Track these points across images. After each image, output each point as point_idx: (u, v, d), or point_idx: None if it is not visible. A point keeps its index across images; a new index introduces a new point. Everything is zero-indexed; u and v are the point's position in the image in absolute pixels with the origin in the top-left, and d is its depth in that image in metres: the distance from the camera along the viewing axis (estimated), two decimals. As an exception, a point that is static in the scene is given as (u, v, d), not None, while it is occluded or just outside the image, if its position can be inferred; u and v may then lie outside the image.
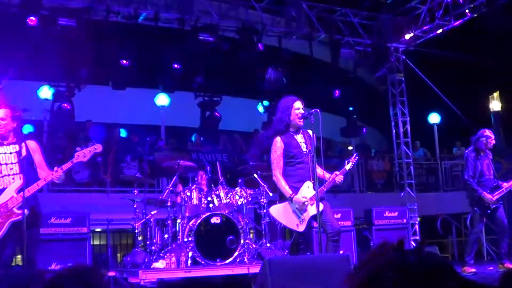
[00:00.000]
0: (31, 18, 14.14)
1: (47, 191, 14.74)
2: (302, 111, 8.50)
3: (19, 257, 9.46)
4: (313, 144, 8.44)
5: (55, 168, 7.97)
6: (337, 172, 8.62)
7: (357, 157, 9.08)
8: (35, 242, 7.89)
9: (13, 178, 7.94)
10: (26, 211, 7.56)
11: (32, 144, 8.29)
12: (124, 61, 15.76)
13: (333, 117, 22.31)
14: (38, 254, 7.89)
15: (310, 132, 8.61)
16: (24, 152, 7.96)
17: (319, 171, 8.51)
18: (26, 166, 7.93)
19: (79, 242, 11.64)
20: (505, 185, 11.83)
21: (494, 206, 11.58)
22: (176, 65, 16.48)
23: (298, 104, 8.53)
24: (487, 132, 11.94)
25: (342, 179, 8.68)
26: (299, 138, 8.55)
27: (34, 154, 8.17)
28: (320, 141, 8.33)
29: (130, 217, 12.26)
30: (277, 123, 8.64)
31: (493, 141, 12.00)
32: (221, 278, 10.72)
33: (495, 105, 22.43)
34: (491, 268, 12.29)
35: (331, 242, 8.22)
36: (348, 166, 8.81)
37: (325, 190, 8.54)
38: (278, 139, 8.44)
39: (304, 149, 8.47)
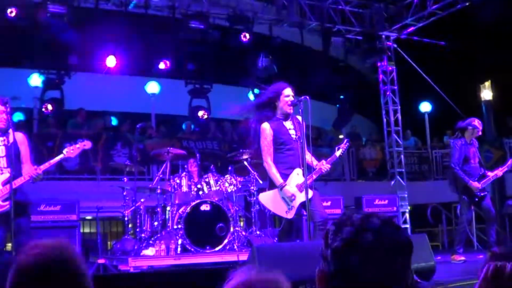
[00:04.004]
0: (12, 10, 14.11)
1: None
2: (292, 99, 8.49)
3: (8, 244, 9.46)
4: (303, 130, 8.43)
5: (35, 167, 8.00)
6: (324, 162, 8.61)
7: (347, 143, 9.04)
8: (25, 230, 7.87)
9: (1, 171, 7.92)
10: (12, 203, 7.54)
11: (20, 136, 8.29)
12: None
13: (324, 105, 22.32)
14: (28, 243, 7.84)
15: (299, 118, 8.59)
16: (11, 142, 7.95)
17: (308, 157, 8.49)
18: (13, 159, 7.93)
19: (69, 230, 11.65)
20: (490, 174, 11.87)
21: (481, 194, 11.60)
22: (167, 53, 16.51)
23: (288, 91, 8.49)
24: (476, 122, 11.92)
25: (329, 168, 8.67)
26: (288, 124, 8.51)
27: (21, 147, 8.17)
28: (309, 128, 8.29)
29: (120, 205, 12.26)
30: (259, 99, 8.64)
31: (480, 132, 12.01)
32: (211, 265, 10.72)
33: (486, 94, 22.44)
34: (481, 256, 12.28)
35: (318, 230, 8.19)
36: (338, 153, 8.80)
37: (314, 177, 8.52)
38: (266, 126, 8.39)
39: (293, 136, 8.44)
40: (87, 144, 8.36)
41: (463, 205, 11.93)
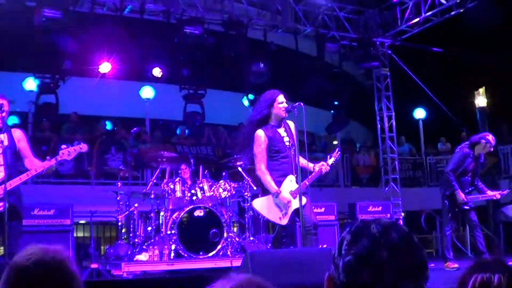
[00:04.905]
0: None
1: (31, 182, 14.72)
2: (286, 105, 8.48)
3: (1, 248, 9.44)
4: (294, 135, 8.46)
5: (48, 158, 7.96)
6: (324, 163, 8.59)
7: (339, 152, 9.04)
8: (16, 234, 7.84)
9: (-3, 170, 7.88)
10: (6, 204, 7.51)
11: (17, 133, 8.22)
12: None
13: (318, 111, 22.31)
14: (19, 246, 7.82)
15: (290, 124, 8.62)
16: (7, 142, 7.90)
17: (304, 161, 8.51)
18: (10, 157, 7.88)
19: (62, 234, 11.63)
20: (490, 193, 11.84)
21: (464, 207, 11.58)
22: (161, 58, 16.51)
23: (281, 98, 8.48)
24: (490, 137, 11.66)
25: (329, 169, 8.67)
26: (282, 131, 8.51)
27: (19, 143, 8.11)
28: (304, 134, 8.29)
29: (114, 210, 12.26)
30: (256, 114, 8.61)
31: (491, 149, 11.86)
32: (204, 271, 10.72)
33: (481, 100, 22.43)
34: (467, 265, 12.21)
35: (309, 235, 8.19)
36: (330, 161, 8.77)
37: (308, 184, 8.52)
38: (261, 133, 8.36)
39: (287, 143, 8.44)
40: (84, 147, 8.29)
41: (444, 210, 11.96)
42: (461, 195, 11.47)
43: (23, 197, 8.29)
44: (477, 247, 11.81)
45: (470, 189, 11.75)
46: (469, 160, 11.69)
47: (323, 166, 8.56)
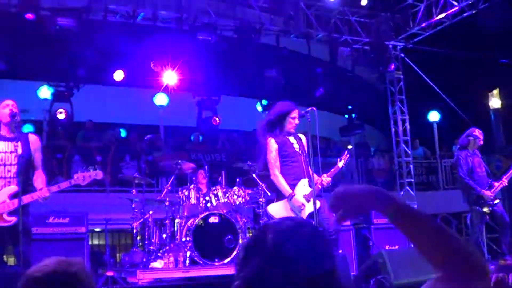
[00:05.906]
0: (29, 15, 14.15)
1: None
2: (297, 121, 8.60)
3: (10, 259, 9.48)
4: (305, 147, 8.53)
5: (44, 188, 7.94)
6: (324, 175, 8.66)
7: (348, 155, 9.10)
8: (26, 245, 7.82)
9: (9, 182, 7.84)
10: (19, 217, 7.51)
11: (34, 139, 8.23)
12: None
13: (332, 115, 22.29)
14: (31, 256, 7.81)
15: (302, 136, 8.71)
16: (20, 150, 7.89)
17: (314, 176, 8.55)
18: (23, 167, 7.88)
19: (77, 242, 11.61)
20: (496, 184, 11.82)
21: (493, 202, 11.55)
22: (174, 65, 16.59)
23: (295, 113, 8.60)
24: (477, 132, 11.93)
25: (330, 181, 8.72)
26: (291, 139, 8.62)
27: (35, 153, 8.13)
28: (317, 139, 8.33)
29: (129, 217, 12.24)
30: (269, 125, 8.67)
31: (481, 142, 11.99)
32: (219, 278, 10.71)
33: (495, 102, 22.40)
34: (492, 266, 12.21)
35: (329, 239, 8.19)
36: (341, 164, 8.88)
37: (320, 187, 8.55)
38: (271, 140, 8.48)
39: (297, 149, 8.51)
40: (99, 175, 8.32)
41: (476, 216, 11.85)
42: (487, 193, 11.48)
43: (38, 206, 8.32)
44: (500, 248, 11.81)
45: (488, 183, 11.75)
46: (471, 158, 11.77)
47: (324, 180, 8.62)
